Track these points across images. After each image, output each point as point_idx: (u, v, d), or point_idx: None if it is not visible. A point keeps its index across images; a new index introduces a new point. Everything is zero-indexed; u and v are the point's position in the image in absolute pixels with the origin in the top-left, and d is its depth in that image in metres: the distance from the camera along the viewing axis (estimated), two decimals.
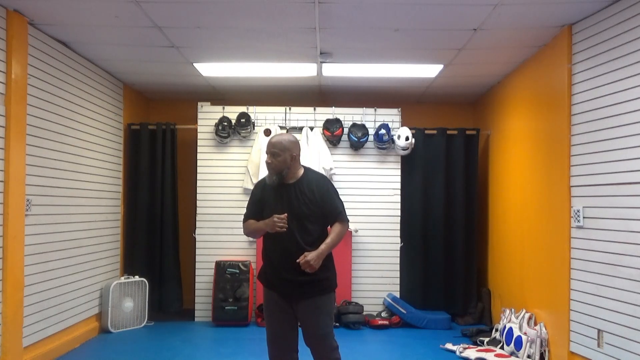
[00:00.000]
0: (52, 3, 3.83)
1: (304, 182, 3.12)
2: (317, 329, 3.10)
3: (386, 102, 6.51)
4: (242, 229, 3.26)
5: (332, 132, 6.07)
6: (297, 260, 2.95)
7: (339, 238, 3.12)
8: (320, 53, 4.91)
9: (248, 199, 3.29)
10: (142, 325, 5.80)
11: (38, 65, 4.28)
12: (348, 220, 3.19)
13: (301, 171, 3.17)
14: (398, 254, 6.12)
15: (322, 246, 3.03)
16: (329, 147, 6.10)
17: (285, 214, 2.98)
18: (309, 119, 6.18)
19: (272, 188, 3.14)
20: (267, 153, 3.13)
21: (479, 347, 4.93)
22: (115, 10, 3.94)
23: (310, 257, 2.95)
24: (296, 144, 3.17)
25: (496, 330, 5.12)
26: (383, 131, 6.01)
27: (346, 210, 3.20)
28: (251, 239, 5.74)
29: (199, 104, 6.22)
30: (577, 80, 4.05)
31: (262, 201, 3.16)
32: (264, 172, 3.56)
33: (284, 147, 3.09)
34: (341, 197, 3.25)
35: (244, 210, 3.26)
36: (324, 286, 3.12)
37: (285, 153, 3.08)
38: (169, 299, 6.11)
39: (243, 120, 6.06)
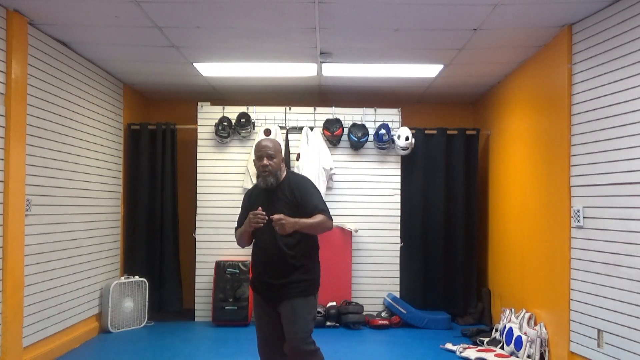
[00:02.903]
0: (52, 3, 3.83)
1: (286, 185, 3.14)
2: (292, 332, 3.01)
3: (386, 102, 6.51)
4: (235, 240, 3.25)
5: (332, 132, 6.06)
6: (271, 217, 2.90)
7: (319, 224, 3.03)
8: (320, 53, 4.91)
9: None
10: (142, 325, 5.80)
11: (38, 65, 4.28)
12: (332, 219, 3.12)
13: (284, 174, 3.19)
14: (398, 254, 6.12)
15: (302, 220, 2.97)
16: (329, 147, 6.09)
17: (264, 214, 2.95)
18: (309, 119, 6.18)
19: (258, 193, 3.17)
20: (262, 156, 3.09)
21: (479, 347, 4.93)
22: (115, 10, 3.94)
23: (286, 219, 2.90)
24: (281, 147, 3.28)
25: (496, 330, 5.12)
26: (383, 131, 6.00)
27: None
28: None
29: (199, 104, 6.22)
30: (577, 80, 4.05)
31: (250, 209, 3.10)
32: None
33: (277, 149, 3.16)
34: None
35: None
36: (302, 288, 3.07)
37: (279, 154, 3.16)
38: (169, 299, 6.11)
39: (243, 120, 6.05)
